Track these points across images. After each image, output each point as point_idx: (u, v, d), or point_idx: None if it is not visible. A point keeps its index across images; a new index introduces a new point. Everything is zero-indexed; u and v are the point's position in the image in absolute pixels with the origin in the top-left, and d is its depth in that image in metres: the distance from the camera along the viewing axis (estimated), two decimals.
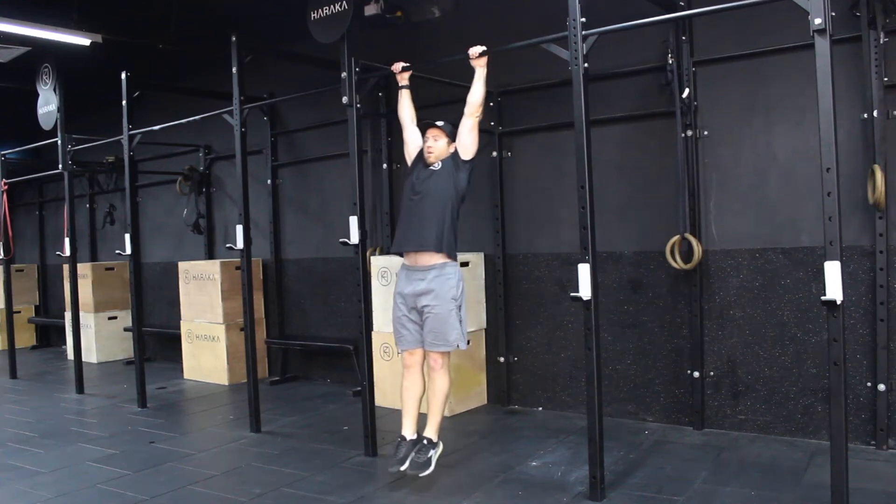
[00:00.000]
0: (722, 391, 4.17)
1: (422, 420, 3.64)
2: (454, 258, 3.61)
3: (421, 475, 3.46)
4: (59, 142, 5.94)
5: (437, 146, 3.67)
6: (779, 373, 3.98)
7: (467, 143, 3.63)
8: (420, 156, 3.76)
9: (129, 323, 6.87)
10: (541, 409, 4.87)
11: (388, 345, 5.01)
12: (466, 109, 3.62)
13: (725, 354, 4.15)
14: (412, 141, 3.84)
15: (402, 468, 3.45)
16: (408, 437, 3.56)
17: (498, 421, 4.67)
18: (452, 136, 3.69)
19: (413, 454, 3.47)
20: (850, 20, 3.66)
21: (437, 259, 3.55)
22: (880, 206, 3.58)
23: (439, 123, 3.70)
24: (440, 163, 3.66)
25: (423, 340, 3.60)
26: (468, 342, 3.69)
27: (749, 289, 4.07)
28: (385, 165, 5.57)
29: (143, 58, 6.25)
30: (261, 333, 6.35)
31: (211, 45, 5.61)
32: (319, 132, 6.04)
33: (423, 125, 3.77)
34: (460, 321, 3.57)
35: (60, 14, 5.24)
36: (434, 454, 3.52)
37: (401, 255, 3.70)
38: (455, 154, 3.67)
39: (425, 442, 3.53)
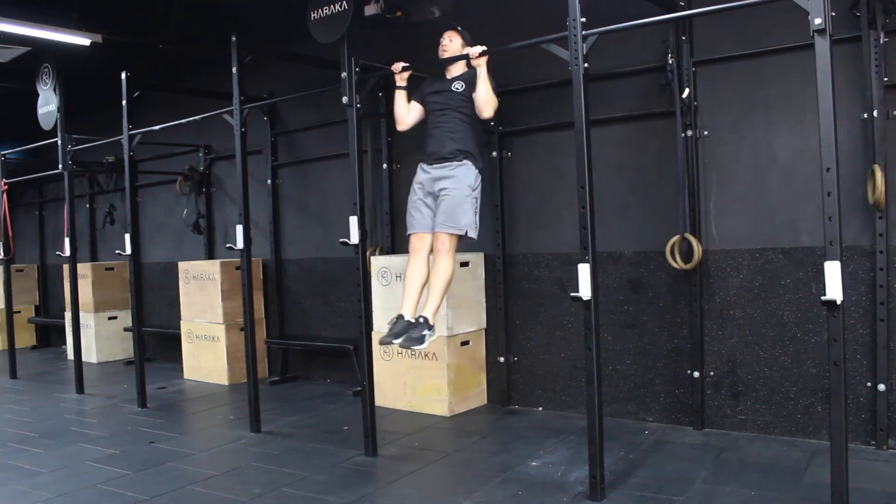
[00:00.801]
0: (722, 391, 4.17)
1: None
2: (478, 163, 3.76)
3: (413, 349, 3.54)
4: (59, 142, 5.94)
5: (452, 46, 3.89)
6: (779, 373, 3.99)
7: (485, 116, 3.82)
8: (427, 85, 3.94)
9: (129, 323, 6.87)
10: (541, 409, 4.87)
11: (388, 344, 5.01)
12: (478, 111, 3.75)
13: (725, 354, 4.15)
14: (418, 114, 4.01)
15: (396, 342, 3.51)
16: (406, 317, 3.61)
17: (498, 421, 4.67)
18: (466, 40, 3.87)
19: (408, 331, 3.54)
20: (850, 20, 3.66)
21: (461, 160, 3.72)
22: (880, 206, 3.58)
23: (457, 27, 3.90)
24: (461, 83, 3.82)
25: (435, 223, 3.68)
26: (477, 233, 3.80)
27: (749, 289, 4.07)
28: (385, 165, 5.57)
29: (143, 58, 6.25)
30: (261, 333, 6.35)
31: (211, 45, 5.61)
32: (319, 132, 6.04)
33: (442, 25, 3.98)
34: (475, 212, 3.70)
35: (60, 14, 5.24)
36: (428, 334, 3.58)
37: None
38: (473, 77, 3.76)
39: (421, 321, 3.58)
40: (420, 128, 4.12)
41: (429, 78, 4.08)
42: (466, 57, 3.80)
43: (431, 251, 3.77)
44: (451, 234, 3.65)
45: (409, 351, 4.87)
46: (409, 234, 3.83)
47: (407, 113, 4.03)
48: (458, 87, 3.85)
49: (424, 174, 3.83)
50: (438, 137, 3.82)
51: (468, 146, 3.77)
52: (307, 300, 6.26)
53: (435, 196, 3.71)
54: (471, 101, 3.83)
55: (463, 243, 3.89)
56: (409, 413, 4.87)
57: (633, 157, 4.44)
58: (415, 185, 3.84)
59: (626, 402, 4.49)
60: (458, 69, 3.95)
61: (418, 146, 4.20)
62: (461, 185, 3.68)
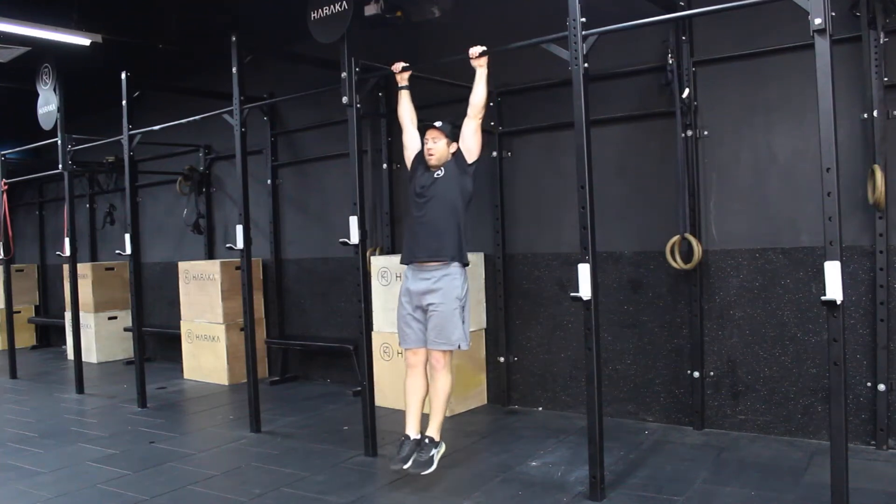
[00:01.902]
0: (722, 391, 4.17)
1: (425, 420, 3.64)
2: (463, 262, 3.62)
3: (423, 474, 3.46)
4: (59, 142, 5.94)
5: (437, 147, 3.64)
6: (779, 373, 3.98)
7: (471, 145, 3.63)
8: (420, 159, 3.73)
9: (129, 323, 6.87)
10: (541, 409, 4.87)
11: (388, 345, 5.02)
12: (469, 111, 3.62)
13: (725, 354, 4.15)
14: (411, 144, 3.82)
15: (405, 467, 3.45)
16: (411, 437, 3.56)
17: (498, 421, 4.67)
18: (452, 136, 3.67)
19: (416, 453, 3.48)
20: (850, 20, 3.66)
21: (445, 262, 3.57)
22: (880, 206, 3.58)
23: (437, 124, 3.67)
24: (443, 169, 3.64)
25: (427, 339, 3.60)
26: (469, 343, 3.68)
27: (749, 289, 4.07)
28: (385, 165, 5.57)
29: (143, 58, 6.26)
30: (261, 333, 6.35)
31: (211, 45, 5.61)
32: (319, 132, 6.04)
33: (422, 127, 3.75)
34: (463, 321, 3.58)
35: (60, 14, 5.25)
36: (436, 453, 3.53)
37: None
38: (458, 157, 3.65)
39: (427, 441, 3.53)
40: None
41: (421, 164, 3.73)
42: (466, 57, 3.79)
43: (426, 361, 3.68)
44: (445, 351, 3.58)
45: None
46: (404, 349, 3.74)
47: (411, 121, 3.85)
48: (440, 173, 3.64)
49: (410, 283, 3.65)
50: (421, 237, 3.61)
51: (452, 246, 3.57)
52: (307, 300, 6.26)
53: (424, 310, 3.60)
54: (453, 178, 3.62)
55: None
56: None
57: (633, 157, 4.44)
58: (402, 298, 3.68)
59: (626, 402, 4.49)
60: (441, 162, 3.67)
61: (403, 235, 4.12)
62: (448, 298, 3.53)
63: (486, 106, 3.69)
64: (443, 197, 3.59)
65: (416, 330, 3.64)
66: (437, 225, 3.57)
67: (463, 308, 3.59)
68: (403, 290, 3.68)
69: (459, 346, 3.59)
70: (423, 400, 3.68)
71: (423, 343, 3.63)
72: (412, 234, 3.68)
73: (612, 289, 4.51)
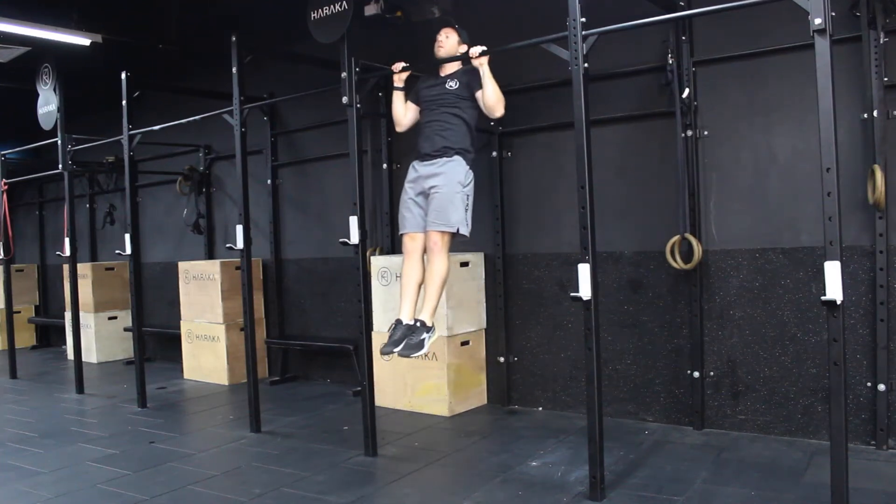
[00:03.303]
0: (722, 391, 4.17)
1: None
2: (468, 158, 3.71)
3: (413, 356, 3.47)
4: (59, 142, 5.93)
5: (449, 41, 3.84)
6: (779, 373, 3.99)
7: (497, 115, 3.79)
8: (422, 84, 3.92)
9: (129, 323, 6.87)
10: (541, 409, 4.87)
11: None
12: (487, 113, 3.75)
13: (725, 354, 4.15)
14: (415, 114, 3.98)
15: (396, 350, 3.45)
16: (404, 321, 3.54)
17: (498, 421, 4.67)
18: (463, 38, 3.83)
19: (407, 337, 3.48)
20: (850, 20, 3.66)
21: (450, 156, 3.67)
22: (880, 206, 3.58)
23: (454, 24, 3.86)
24: (456, 82, 3.78)
25: (426, 223, 3.62)
26: (469, 230, 3.73)
27: (749, 289, 4.07)
28: (385, 165, 5.57)
29: (143, 58, 6.26)
30: (261, 333, 6.35)
31: (211, 45, 5.61)
32: (319, 132, 6.04)
33: (439, 22, 3.95)
34: (465, 208, 3.63)
35: (60, 14, 5.25)
36: (427, 337, 3.51)
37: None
38: (472, 76, 3.74)
39: (418, 325, 3.51)
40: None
41: (423, 76, 4.06)
42: (466, 57, 3.80)
43: (425, 251, 3.72)
44: (443, 232, 3.59)
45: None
46: (402, 234, 3.78)
47: (404, 114, 4.02)
48: (452, 85, 3.81)
49: (415, 172, 3.79)
50: (429, 135, 3.78)
51: (459, 143, 3.72)
52: (307, 300, 6.26)
53: (426, 195, 3.67)
54: (465, 99, 3.79)
55: (459, 242, 3.86)
56: (409, 413, 4.87)
57: (633, 158, 4.44)
58: (406, 185, 3.79)
59: (626, 402, 4.49)
60: (452, 66, 3.92)
61: (419, 146, 4.20)
62: (451, 181, 3.62)
63: (503, 100, 3.75)
64: (453, 102, 3.74)
65: (415, 215, 3.70)
66: (444, 125, 3.71)
67: (466, 197, 3.65)
68: (408, 177, 3.77)
69: (458, 230, 3.62)
70: (419, 286, 3.67)
71: (421, 228, 3.66)
72: (422, 134, 3.81)
73: (612, 289, 4.51)
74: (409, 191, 3.75)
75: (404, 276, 3.70)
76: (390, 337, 3.51)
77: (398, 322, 3.56)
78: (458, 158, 3.70)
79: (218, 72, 5.47)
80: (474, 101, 3.81)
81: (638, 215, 4.44)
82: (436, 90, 3.85)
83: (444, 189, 3.61)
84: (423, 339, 3.50)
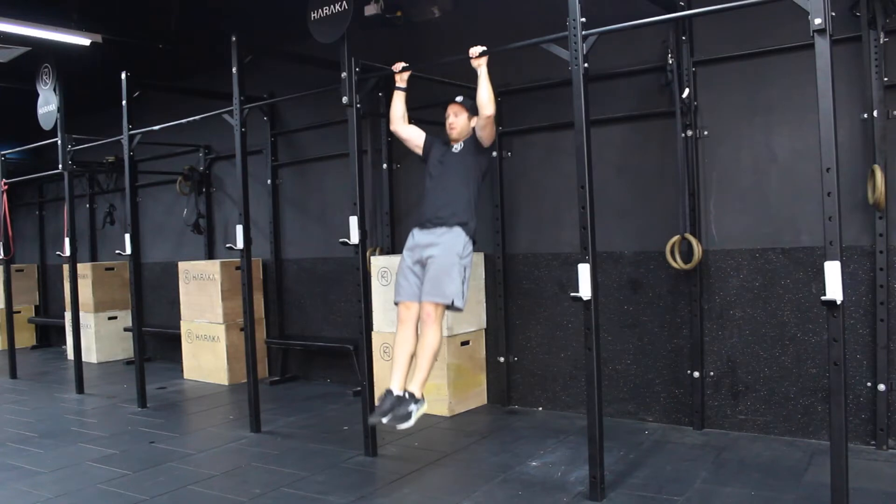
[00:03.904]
0: (722, 391, 4.17)
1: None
2: (470, 231, 3.65)
3: (399, 427, 3.41)
4: (59, 142, 5.94)
5: (459, 121, 3.77)
6: (779, 373, 3.98)
7: (483, 136, 3.74)
8: (434, 141, 3.86)
9: (129, 323, 6.88)
10: (541, 409, 4.87)
11: (388, 345, 5.01)
12: (481, 111, 3.69)
13: (725, 354, 4.15)
14: (414, 135, 3.93)
15: (384, 420, 3.39)
16: (394, 392, 3.48)
17: (498, 421, 4.67)
18: (472, 111, 3.76)
19: (395, 408, 3.42)
20: (850, 20, 3.66)
21: (451, 227, 3.63)
22: (880, 206, 3.58)
23: (458, 99, 3.80)
24: (461, 143, 3.76)
25: (421, 292, 3.57)
26: (465, 304, 3.65)
27: (749, 289, 4.07)
28: (385, 165, 5.57)
29: (143, 58, 6.26)
30: (261, 333, 6.35)
31: (211, 45, 5.62)
32: (319, 132, 6.04)
33: (446, 102, 3.86)
34: (462, 280, 3.56)
35: (60, 14, 5.26)
36: (415, 409, 3.45)
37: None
38: (475, 136, 3.76)
39: (407, 396, 3.47)
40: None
41: (440, 140, 3.88)
42: (466, 57, 3.80)
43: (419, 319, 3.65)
44: (437, 304, 3.53)
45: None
46: (396, 303, 3.71)
47: (402, 116, 3.94)
48: (458, 147, 3.76)
49: (413, 240, 3.71)
50: (432, 202, 3.71)
51: (461, 215, 3.63)
52: (307, 300, 6.26)
53: (423, 263, 3.60)
54: (470, 154, 3.73)
55: (454, 310, 3.70)
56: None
57: (633, 157, 4.44)
58: (404, 252, 3.72)
59: (626, 402, 4.49)
60: (462, 136, 3.81)
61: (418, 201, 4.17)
62: (449, 251, 3.54)
63: (493, 103, 3.70)
64: (457, 168, 3.69)
65: (412, 283, 3.64)
66: (448, 193, 3.66)
67: (464, 269, 3.58)
68: (407, 245, 3.72)
69: (453, 303, 3.54)
70: (411, 356, 3.60)
71: (416, 297, 3.60)
72: (424, 200, 3.78)
73: (612, 289, 4.51)
74: (406, 258, 3.68)
75: (397, 345, 3.63)
76: (379, 406, 3.44)
77: (388, 392, 3.49)
78: (458, 230, 3.61)
79: (218, 72, 5.48)
80: (478, 155, 3.75)
81: (638, 215, 4.44)
82: (444, 154, 3.79)
83: (440, 259, 3.54)
84: (411, 412, 3.43)
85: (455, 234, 3.61)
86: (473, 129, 3.79)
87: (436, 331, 3.53)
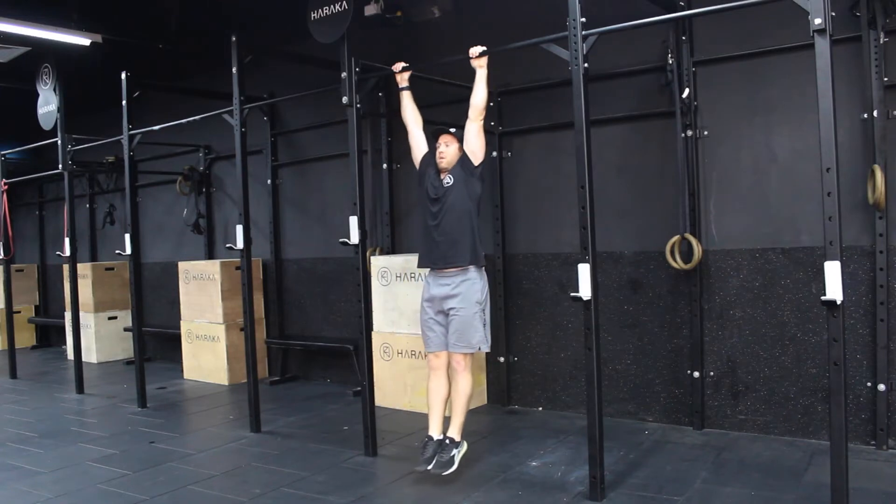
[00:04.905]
0: (722, 391, 4.17)
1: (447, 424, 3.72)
2: (480, 264, 3.72)
3: (444, 474, 3.52)
4: (59, 142, 5.94)
5: (449, 151, 3.75)
6: (779, 373, 3.98)
7: (475, 147, 3.70)
8: (429, 161, 3.82)
9: (129, 323, 6.88)
10: (541, 409, 4.87)
11: (388, 345, 5.02)
12: (471, 113, 3.68)
13: (725, 354, 4.15)
14: (418, 146, 3.92)
15: (429, 468, 3.52)
16: (434, 437, 3.64)
17: (498, 421, 4.67)
18: (462, 141, 3.75)
19: (438, 454, 3.56)
20: (850, 20, 3.66)
21: (463, 267, 3.67)
22: (880, 206, 3.58)
23: (452, 130, 3.79)
24: (451, 177, 3.72)
25: (448, 342, 3.70)
26: (489, 345, 3.82)
27: (749, 289, 4.07)
28: (385, 165, 5.57)
29: (143, 58, 6.26)
30: (261, 333, 6.35)
31: (211, 45, 5.61)
32: (319, 132, 6.04)
33: (436, 130, 3.81)
34: (484, 324, 3.70)
35: (60, 14, 5.25)
36: (457, 453, 3.61)
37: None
38: (464, 160, 3.71)
39: (448, 442, 3.61)
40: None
41: (431, 169, 3.79)
42: (466, 57, 3.79)
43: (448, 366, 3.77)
44: (465, 354, 3.69)
45: (408, 351, 4.90)
46: (427, 353, 3.85)
47: (415, 121, 3.92)
48: (449, 181, 3.71)
49: (430, 290, 3.76)
50: (438, 245, 3.70)
51: (469, 255, 3.66)
52: (307, 300, 6.26)
53: (445, 314, 3.71)
54: (462, 189, 3.68)
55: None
56: (409, 413, 4.87)
57: (633, 157, 4.44)
58: (423, 303, 3.79)
59: (626, 402, 4.49)
60: (451, 165, 3.74)
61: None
62: (469, 302, 3.65)
63: (487, 106, 3.71)
64: (455, 205, 3.69)
65: (438, 334, 3.75)
66: (452, 234, 3.68)
67: (483, 311, 3.71)
68: (425, 295, 3.79)
69: (480, 349, 3.71)
70: (446, 401, 3.77)
71: (444, 346, 3.73)
72: (428, 240, 3.76)
73: (612, 289, 4.51)
74: (427, 310, 3.76)
75: (431, 392, 3.77)
76: (423, 454, 3.58)
77: (429, 438, 3.64)
78: (472, 273, 3.67)
79: (218, 72, 5.47)
80: (470, 183, 3.69)
81: (638, 215, 4.44)
82: (436, 182, 3.74)
83: (462, 312, 3.65)
84: (454, 456, 3.59)
85: (471, 282, 3.67)
86: (459, 158, 3.72)
87: (467, 378, 3.72)
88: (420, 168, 3.87)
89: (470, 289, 3.66)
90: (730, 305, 4.13)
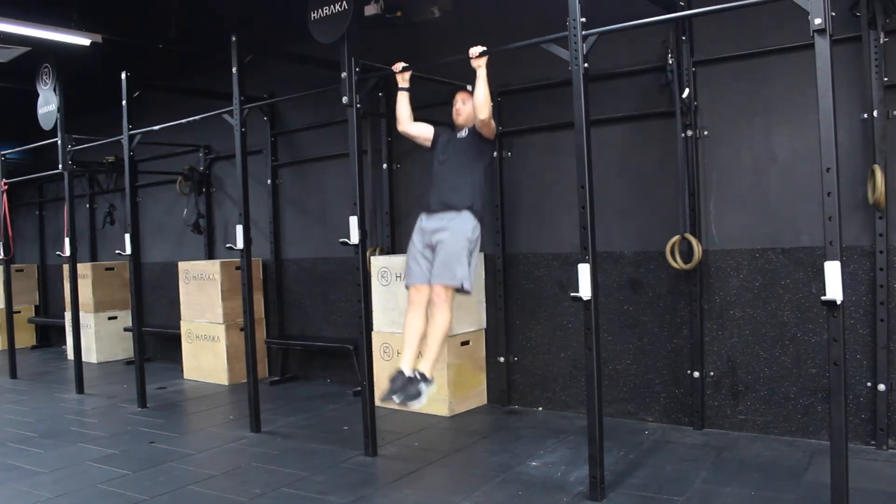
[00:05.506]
0: (722, 391, 4.17)
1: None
2: (476, 214, 3.75)
3: (409, 406, 3.49)
4: (59, 142, 5.93)
5: (466, 109, 3.89)
6: (779, 373, 3.99)
7: (484, 132, 3.84)
8: (440, 131, 3.97)
9: (129, 323, 6.87)
10: (541, 409, 4.87)
11: (388, 345, 5.02)
12: (476, 113, 3.74)
13: (725, 354, 4.15)
14: (422, 132, 4.04)
15: (395, 398, 3.48)
16: (405, 373, 3.57)
17: (498, 421, 4.67)
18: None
19: (406, 387, 3.50)
20: (850, 20, 3.66)
21: (459, 211, 3.72)
22: (880, 206, 3.58)
23: (469, 88, 3.88)
24: (467, 130, 3.86)
25: (431, 275, 3.67)
26: (472, 286, 3.76)
27: (749, 289, 4.07)
28: (385, 165, 5.57)
29: (143, 58, 6.25)
30: (261, 333, 6.35)
31: (211, 45, 5.61)
32: (319, 132, 6.04)
33: (452, 89, 4.00)
34: (469, 264, 3.67)
35: (60, 14, 5.24)
36: (425, 388, 3.54)
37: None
38: (477, 130, 3.85)
39: (418, 376, 3.54)
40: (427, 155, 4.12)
41: (445, 128, 4.04)
42: (466, 57, 3.80)
43: (429, 302, 3.74)
44: (447, 286, 3.63)
45: None
46: (407, 286, 3.81)
47: (409, 116, 4.02)
48: (463, 133, 3.89)
49: (422, 225, 3.81)
50: (439, 188, 3.81)
51: (468, 199, 3.73)
52: (307, 300, 6.26)
53: (432, 248, 3.70)
54: (475, 141, 3.84)
55: (462, 293, 3.80)
56: (409, 413, 4.85)
57: (633, 157, 4.44)
58: (413, 236, 3.82)
59: (626, 402, 4.49)
60: (468, 123, 3.93)
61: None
62: (458, 236, 3.65)
63: (490, 104, 3.75)
64: (463, 152, 3.80)
65: (422, 267, 3.74)
66: (454, 181, 3.76)
67: (471, 252, 3.70)
68: (416, 229, 3.82)
69: (463, 286, 3.66)
70: (421, 337, 3.70)
71: (426, 280, 3.71)
72: (431, 185, 3.87)
73: (612, 289, 4.51)
74: (416, 243, 3.79)
75: (407, 325, 3.74)
76: (391, 385, 3.55)
77: (399, 372, 3.59)
78: (466, 214, 3.72)
79: (218, 72, 5.47)
80: (483, 143, 3.86)
81: (638, 215, 4.44)
82: (450, 140, 3.92)
83: (449, 243, 3.64)
84: (422, 391, 3.53)
85: (464, 219, 3.71)
86: (475, 125, 3.86)
87: (446, 312, 3.64)
88: (434, 138, 4.01)
89: (461, 225, 3.68)
90: (730, 305, 4.13)
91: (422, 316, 3.72)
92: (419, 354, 3.68)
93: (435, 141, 4.02)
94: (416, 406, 3.52)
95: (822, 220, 2.66)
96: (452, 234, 3.67)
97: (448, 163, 3.84)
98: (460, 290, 3.71)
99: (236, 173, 4.62)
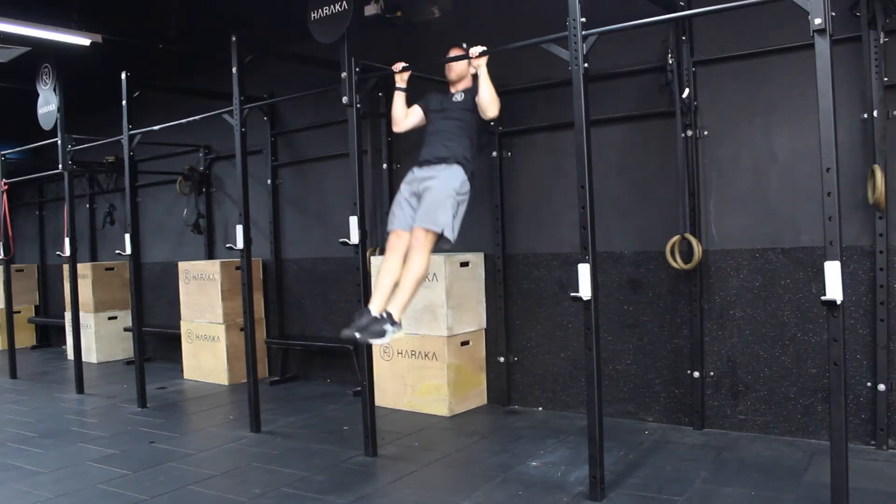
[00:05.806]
0: (722, 391, 4.17)
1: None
2: (467, 169, 3.75)
3: (371, 342, 3.46)
4: (59, 142, 5.93)
5: (459, 64, 3.92)
6: (779, 373, 3.99)
7: (490, 116, 3.86)
8: (429, 101, 4.02)
9: (129, 323, 6.87)
10: (541, 409, 4.87)
11: (388, 345, 5.01)
12: (481, 113, 3.78)
13: (725, 354, 4.15)
14: (416, 120, 4.07)
15: (357, 334, 3.39)
16: (373, 313, 3.47)
17: (498, 421, 4.67)
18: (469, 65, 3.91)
19: (371, 324, 3.42)
20: (850, 20, 3.66)
21: (450, 164, 3.73)
22: (880, 206, 3.58)
23: (463, 45, 3.91)
24: (462, 94, 3.90)
25: (414, 220, 3.63)
26: (455, 237, 3.69)
27: (749, 289, 4.07)
28: (385, 165, 5.56)
29: (143, 58, 6.26)
30: (261, 333, 6.35)
31: (211, 45, 5.61)
32: (319, 132, 6.04)
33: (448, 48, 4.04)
34: (454, 215, 3.64)
35: (60, 14, 5.24)
36: (391, 329, 3.44)
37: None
38: (474, 91, 3.85)
39: (385, 316, 3.46)
40: (421, 128, 4.11)
41: (437, 91, 4.09)
42: (467, 57, 3.81)
43: (408, 250, 3.67)
44: (428, 231, 3.56)
45: (409, 351, 4.90)
46: (388, 231, 3.76)
47: (404, 116, 4.06)
48: (458, 98, 3.92)
49: (412, 175, 3.83)
50: (432, 144, 3.83)
51: (460, 153, 3.75)
52: (307, 300, 6.26)
53: (418, 195, 3.69)
54: (470, 110, 3.86)
55: (463, 242, 3.87)
56: (409, 413, 4.87)
57: (633, 157, 4.44)
58: (402, 185, 3.83)
59: (626, 402, 4.49)
60: (463, 84, 3.99)
61: (418, 146, 4.20)
62: (446, 185, 3.64)
63: (497, 101, 3.80)
64: (459, 115, 3.84)
65: (406, 214, 3.73)
66: (447, 138, 3.78)
67: (458, 204, 3.67)
68: (406, 179, 3.83)
69: (443, 232, 3.58)
70: (394, 284, 3.59)
71: (408, 226, 3.67)
72: (424, 143, 3.89)
73: (612, 289, 4.51)
74: (403, 191, 3.79)
75: (382, 269, 3.64)
76: (356, 321, 3.43)
77: (366, 310, 3.48)
78: (456, 167, 3.72)
79: (218, 72, 5.47)
80: (476, 111, 3.87)
81: (638, 215, 4.44)
82: (444, 102, 3.95)
83: (436, 191, 3.63)
84: (386, 330, 3.42)
85: (454, 171, 3.71)
86: (474, 80, 3.86)
87: (423, 257, 3.56)
88: (427, 108, 4.02)
89: (451, 176, 3.68)
90: (730, 305, 4.13)
91: (399, 262, 3.62)
92: (389, 301, 3.57)
93: (427, 108, 4.02)
94: (378, 342, 3.42)
95: (822, 220, 2.66)
96: (441, 181, 3.65)
97: (442, 122, 3.85)
98: (441, 238, 3.61)
99: (236, 173, 4.62)
